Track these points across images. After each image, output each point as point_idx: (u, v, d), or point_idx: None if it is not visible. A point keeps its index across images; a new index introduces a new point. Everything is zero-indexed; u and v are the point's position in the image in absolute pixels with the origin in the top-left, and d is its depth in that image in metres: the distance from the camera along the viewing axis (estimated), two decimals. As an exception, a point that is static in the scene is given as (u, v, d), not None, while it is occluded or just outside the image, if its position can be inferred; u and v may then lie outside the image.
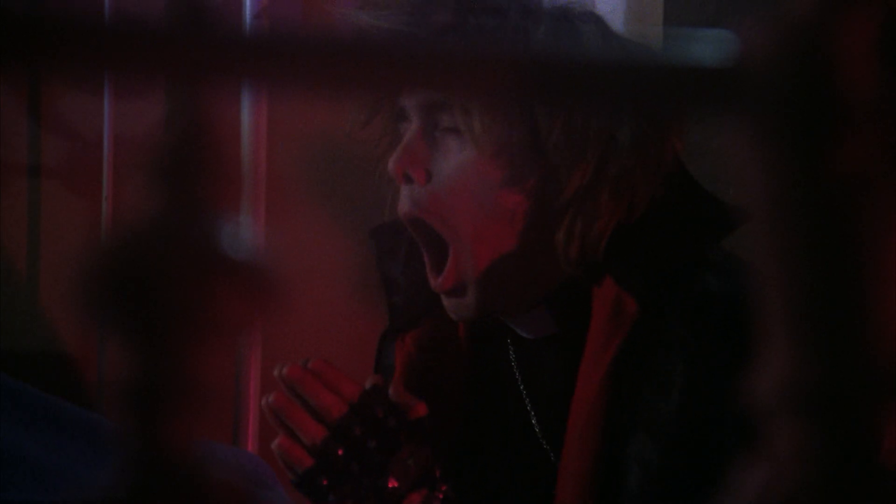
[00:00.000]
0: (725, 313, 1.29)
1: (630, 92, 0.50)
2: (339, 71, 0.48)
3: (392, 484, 1.34)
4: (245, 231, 0.46)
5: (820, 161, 0.50)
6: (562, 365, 1.38)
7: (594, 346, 1.32)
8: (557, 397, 1.38)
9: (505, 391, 1.46)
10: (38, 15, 0.44)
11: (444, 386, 1.46)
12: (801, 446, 0.50)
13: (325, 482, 1.34)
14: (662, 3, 1.92)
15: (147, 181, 0.48)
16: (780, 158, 0.50)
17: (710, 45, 0.50)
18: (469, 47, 0.49)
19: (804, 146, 0.50)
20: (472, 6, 1.34)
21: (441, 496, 1.35)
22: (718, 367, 1.28)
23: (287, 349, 1.75)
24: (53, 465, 1.27)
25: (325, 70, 0.48)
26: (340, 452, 1.34)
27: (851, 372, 0.50)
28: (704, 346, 1.28)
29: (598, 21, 1.38)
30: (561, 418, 1.35)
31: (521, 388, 1.44)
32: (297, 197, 2.07)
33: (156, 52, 0.47)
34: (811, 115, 0.49)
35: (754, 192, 0.51)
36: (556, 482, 1.35)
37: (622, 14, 1.95)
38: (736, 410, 1.21)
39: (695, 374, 1.28)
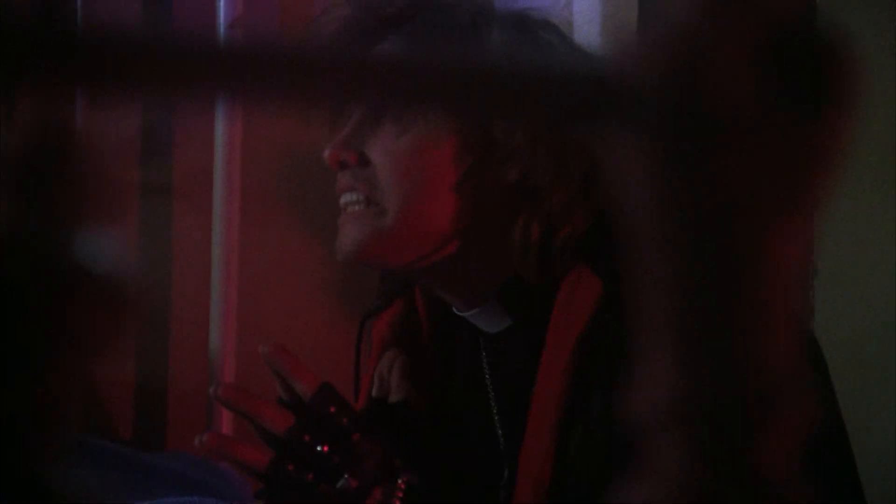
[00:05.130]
0: None
1: (523, 101, 0.50)
2: (309, 81, 0.48)
3: (352, 483, 1.33)
4: (109, 244, 0.45)
5: (698, 172, 0.50)
6: (524, 358, 1.38)
7: (554, 338, 1.32)
8: (519, 390, 1.37)
9: (472, 382, 1.45)
10: (9, 26, 0.43)
11: (412, 370, 1.46)
12: (681, 460, 0.50)
13: (281, 499, 1.33)
14: (637, 10, 1.92)
15: (3, 192, 0.47)
16: (660, 169, 0.50)
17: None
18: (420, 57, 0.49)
19: (683, 157, 0.50)
20: (423, 4, 1.35)
21: (403, 486, 1.34)
22: None
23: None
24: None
25: (296, 80, 0.48)
26: (291, 468, 1.33)
27: (729, 386, 0.50)
28: None
29: (553, 29, 1.39)
30: (520, 412, 1.35)
31: (488, 379, 1.44)
32: (272, 204, 2.07)
33: (129, 63, 0.47)
34: (690, 126, 0.49)
35: (634, 204, 0.51)
36: (515, 476, 1.34)
37: (599, 21, 1.95)
38: None
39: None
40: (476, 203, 1.35)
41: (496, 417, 1.43)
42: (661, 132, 0.49)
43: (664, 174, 0.49)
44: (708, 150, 0.49)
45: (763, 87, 0.50)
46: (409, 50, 1.23)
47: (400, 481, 1.34)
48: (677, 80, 0.49)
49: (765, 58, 0.50)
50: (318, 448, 1.33)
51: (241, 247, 1.99)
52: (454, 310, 1.44)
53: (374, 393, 1.46)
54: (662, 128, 0.49)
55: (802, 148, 0.51)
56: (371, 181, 1.37)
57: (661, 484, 0.50)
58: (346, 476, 1.33)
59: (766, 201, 0.50)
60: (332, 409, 1.35)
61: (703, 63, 0.49)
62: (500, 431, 1.42)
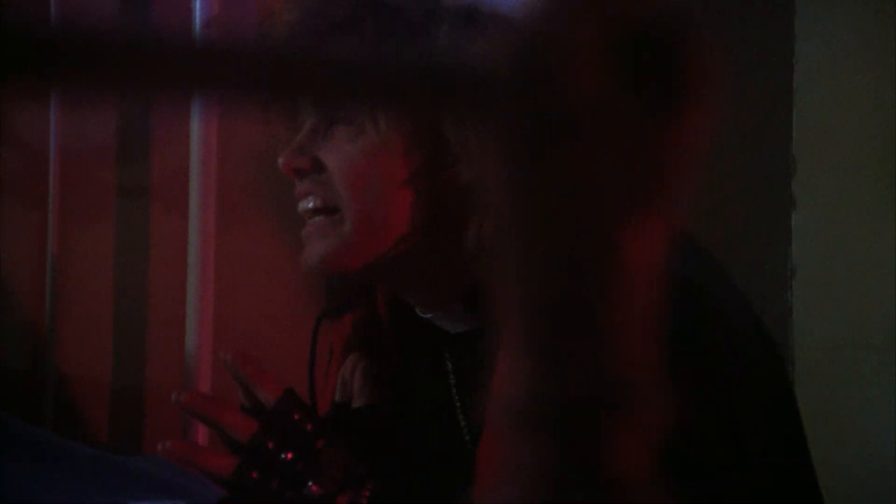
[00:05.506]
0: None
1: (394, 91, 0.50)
2: (264, 81, 0.47)
3: (316, 490, 1.32)
4: None
5: (550, 165, 0.49)
6: (487, 359, 1.38)
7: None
8: (483, 392, 1.37)
9: (436, 384, 1.45)
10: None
11: (375, 372, 1.45)
12: (535, 461, 0.49)
13: None
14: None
15: None
16: (513, 161, 0.50)
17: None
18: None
19: (534, 149, 0.49)
20: (371, 4, 1.34)
21: (367, 494, 1.34)
22: None
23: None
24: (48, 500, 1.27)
25: (250, 81, 0.48)
26: (255, 475, 1.32)
27: (583, 387, 0.49)
28: None
29: (502, 20, 1.38)
30: (482, 411, 1.35)
31: (452, 381, 1.44)
32: (248, 206, 2.06)
33: (104, 63, 0.46)
34: (541, 118, 0.49)
35: (491, 196, 0.51)
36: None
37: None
38: None
39: None
40: (430, 202, 1.35)
41: (461, 419, 1.43)
42: (514, 123, 0.49)
43: (516, 166, 0.49)
44: (559, 142, 0.49)
45: (616, 81, 0.49)
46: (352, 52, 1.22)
47: (364, 489, 1.33)
48: (529, 70, 0.48)
49: (618, 52, 0.49)
50: (282, 455, 1.33)
51: (217, 249, 1.98)
52: (418, 311, 1.43)
53: (337, 398, 1.45)
54: (514, 118, 0.49)
55: (657, 143, 0.50)
56: (327, 186, 1.36)
57: (516, 485, 0.49)
58: (310, 483, 1.33)
59: (620, 197, 0.49)
60: (296, 416, 1.34)
61: (555, 54, 0.48)
62: (465, 434, 1.42)
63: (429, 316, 1.42)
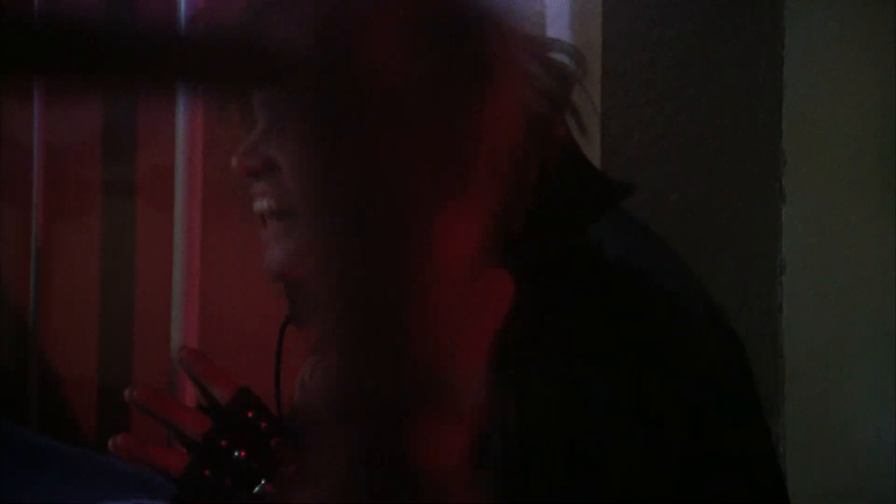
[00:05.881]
0: (589, 316, 1.25)
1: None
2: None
3: (269, 489, 1.32)
4: None
5: (352, 147, 0.48)
6: None
7: (465, 341, 1.29)
8: None
9: None
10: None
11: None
12: (344, 459, 0.48)
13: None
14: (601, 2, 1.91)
15: None
16: (312, 145, 0.48)
17: None
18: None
19: (333, 133, 0.48)
20: None
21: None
22: (563, 371, 1.23)
23: (223, 352, 1.73)
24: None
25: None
26: (207, 473, 1.31)
27: (390, 380, 0.48)
28: (559, 345, 1.24)
29: None
30: None
31: None
32: (233, 202, 2.05)
33: (89, 55, 0.45)
34: (342, 97, 0.47)
35: (293, 183, 0.50)
36: None
37: (567, 13, 1.94)
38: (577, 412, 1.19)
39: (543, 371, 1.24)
40: None
41: None
42: (311, 103, 0.48)
43: (314, 149, 0.48)
44: (357, 125, 0.47)
45: (416, 64, 0.48)
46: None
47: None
48: (331, 48, 0.47)
49: (418, 35, 0.48)
50: (236, 453, 1.32)
51: (203, 246, 1.97)
52: None
53: (296, 399, 1.45)
54: (312, 98, 0.47)
55: (461, 130, 0.49)
56: (281, 186, 1.35)
57: (325, 484, 0.48)
58: (263, 482, 1.32)
59: (423, 185, 0.48)
60: (250, 414, 1.33)
61: (356, 33, 0.47)
62: None
63: None
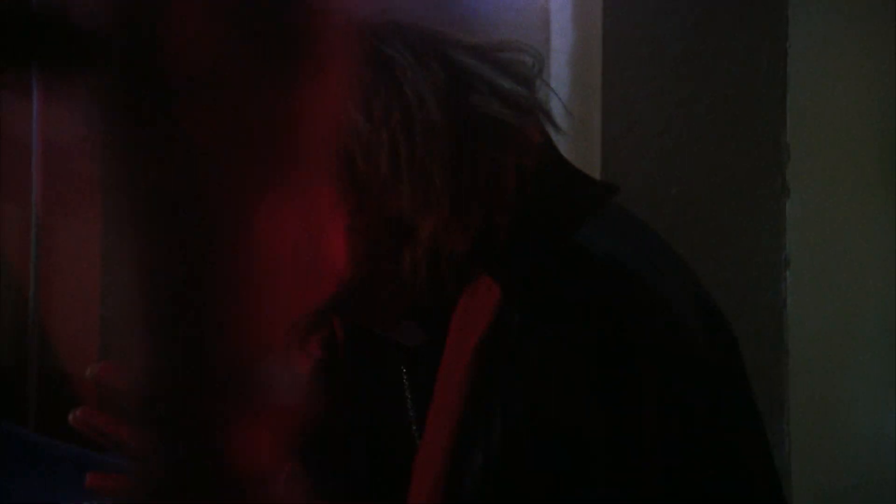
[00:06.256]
0: (570, 323, 1.24)
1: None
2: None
3: None
4: None
5: (160, 132, 0.46)
6: (435, 369, 1.36)
7: (453, 348, 1.29)
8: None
9: (392, 396, 1.43)
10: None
11: (333, 386, 1.45)
12: (152, 451, 0.47)
13: None
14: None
15: None
16: (120, 126, 0.47)
17: None
18: None
19: (141, 115, 0.46)
20: None
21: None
22: (556, 377, 1.23)
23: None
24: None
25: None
26: None
27: (195, 375, 0.47)
28: (548, 353, 1.24)
29: None
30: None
31: (407, 392, 1.43)
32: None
33: (85, 48, 0.44)
34: (145, 78, 0.46)
35: (101, 168, 0.48)
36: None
37: (570, 5, 1.93)
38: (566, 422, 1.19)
39: (537, 378, 1.24)
40: (364, 238, 1.32)
41: (415, 431, 1.42)
42: (117, 83, 0.46)
43: (121, 131, 0.46)
44: (167, 104, 0.46)
45: (231, 42, 0.46)
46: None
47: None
48: (133, 28, 0.46)
49: (234, 12, 0.46)
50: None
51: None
52: (375, 331, 1.42)
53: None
54: (118, 78, 0.46)
55: (281, 110, 0.47)
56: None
57: (132, 479, 0.48)
58: None
59: (239, 170, 0.46)
60: None
61: (159, 12, 0.45)
62: (417, 440, 1.41)
63: (387, 333, 1.41)
